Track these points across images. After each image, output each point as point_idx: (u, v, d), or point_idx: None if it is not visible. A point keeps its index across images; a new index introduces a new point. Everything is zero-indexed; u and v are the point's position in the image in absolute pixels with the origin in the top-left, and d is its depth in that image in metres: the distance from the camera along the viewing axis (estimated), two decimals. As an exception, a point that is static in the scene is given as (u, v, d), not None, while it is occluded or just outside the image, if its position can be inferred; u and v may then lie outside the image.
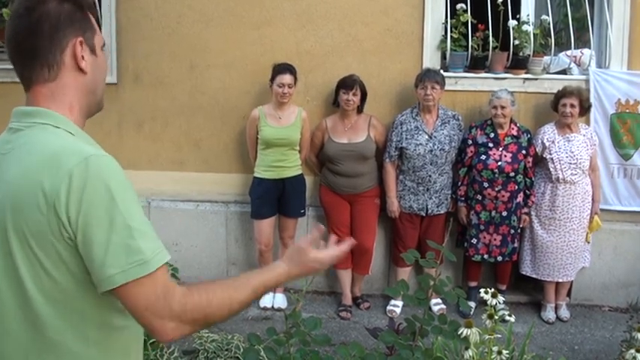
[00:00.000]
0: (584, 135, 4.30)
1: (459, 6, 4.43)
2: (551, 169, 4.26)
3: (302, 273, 1.41)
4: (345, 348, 2.17)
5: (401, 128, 4.34)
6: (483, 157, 4.28)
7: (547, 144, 4.27)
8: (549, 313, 4.46)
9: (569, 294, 4.64)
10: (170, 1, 4.67)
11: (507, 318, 2.49)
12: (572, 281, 4.54)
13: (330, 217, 4.51)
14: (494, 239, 4.34)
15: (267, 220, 4.44)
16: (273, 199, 4.43)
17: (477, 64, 4.51)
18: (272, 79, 4.31)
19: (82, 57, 1.27)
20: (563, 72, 4.56)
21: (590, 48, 4.49)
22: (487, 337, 2.26)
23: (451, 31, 4.43)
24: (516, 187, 4.28)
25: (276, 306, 4.52)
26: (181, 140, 4.83)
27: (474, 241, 4.38)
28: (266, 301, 4.53)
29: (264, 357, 2.36)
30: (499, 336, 2.37)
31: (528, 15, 4.51)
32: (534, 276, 4.44)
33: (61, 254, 1.15)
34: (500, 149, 4.27)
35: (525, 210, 4.35)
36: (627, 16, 4.42)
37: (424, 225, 4.48)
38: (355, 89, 4.29)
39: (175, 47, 4.71)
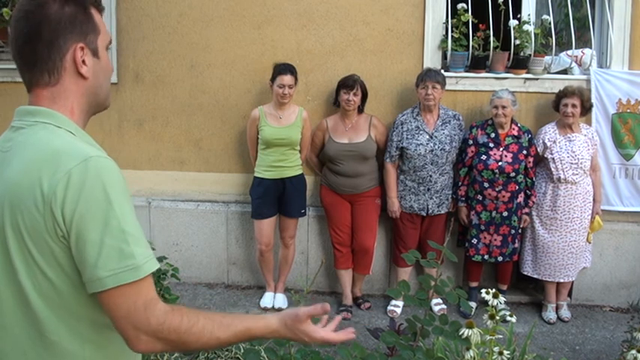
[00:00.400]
0: (585, 135, 4.29)
1: (459, 6, 4.42)
2: (552, 169, 4.25)
3: (290, 338, 1.38)
4: (346, 348, 2.16)
5: (402, 128, 4.34)
6: (484, 157, 4.28)
7: (548, 144, 4.26)
8: (550, 314, 4.45)
9: (570, 294, 4.64)
10: (170, 1, 4.67)
11: (508, 318, 2.50)
12: (573, 281, 4.53)
13: (330, 217, 4.51)
14: (495, 239, 4.34)
15: (267, 220, 4.43)
16: (274, 199, 4.42)
17: (478, 63, 4.51)
18: (272, 79, 4.30)
19: (83, 62, 1.26)
20: (564, 72, 4.56)
21: (591, 48, 4.49)
22: (488, 337, 2.26)
23: (452, 31, 4.43)
24: (517, 187, 4.27)
25: (276, 306, 4.52)
26: (182, 140, 4.83)
27: (475, 241, 4.38)
28: (267, 301, 4.54)
29: (264, 357, 2.36)
30: (500, 336, 2.36)
31: (529, 15, 4.50)
32: (535, 276, 4.43)
33: (55, 253, 1.15)
34: (501, 149, 4.26)
35: (526, 210, 4.34)
36: (628, 16, 4.42)
37: (425, 225, 4.48)
38: (356, 89, 4.28)
39: (176, 46, 4.71)
